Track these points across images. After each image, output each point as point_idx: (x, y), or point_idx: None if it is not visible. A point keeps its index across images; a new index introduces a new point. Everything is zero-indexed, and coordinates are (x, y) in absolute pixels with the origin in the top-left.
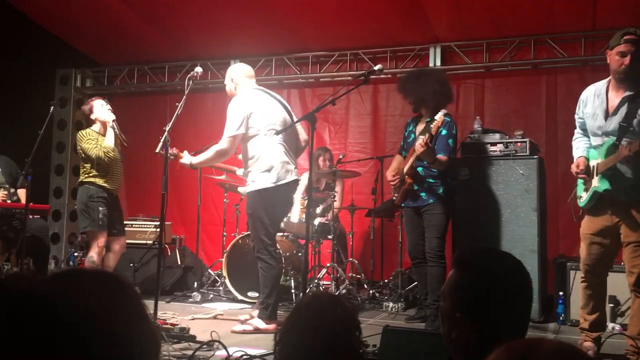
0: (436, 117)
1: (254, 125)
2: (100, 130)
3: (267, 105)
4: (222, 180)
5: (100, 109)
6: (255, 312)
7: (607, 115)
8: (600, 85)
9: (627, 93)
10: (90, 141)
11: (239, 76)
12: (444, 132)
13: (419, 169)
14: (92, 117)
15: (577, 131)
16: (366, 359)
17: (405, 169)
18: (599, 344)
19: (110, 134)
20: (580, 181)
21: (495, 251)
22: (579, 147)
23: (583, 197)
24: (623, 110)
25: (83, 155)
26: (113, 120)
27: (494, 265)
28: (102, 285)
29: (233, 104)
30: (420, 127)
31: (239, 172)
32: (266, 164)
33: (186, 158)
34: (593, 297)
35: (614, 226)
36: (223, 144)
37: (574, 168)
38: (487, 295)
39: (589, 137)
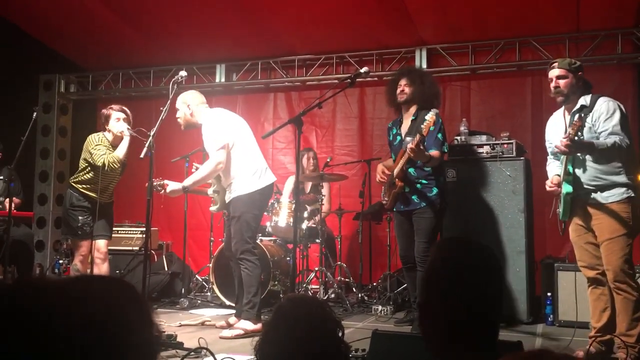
0: (427, 117)
1: (234, 135)
2: (112, 141)
3: (235, 117)
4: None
5: (116, 124)
6: (233, 319)
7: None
8: (558, 111)
9: (573, 110)
10: (101, 147)
11: (195, 102)
12: (431, 128)
13: (411, 170)
14: (107, 127)
15: (549, 157)
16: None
17: (395, 172)
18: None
19: (124, 144)
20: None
21: (463, 241)
22: (552, 170)
23: (561, 210)
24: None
25: (88, 159)
26: (128, 129)
27: (459, 253)
28: (109, 293)
29: (210, 120)
30: (405, 127)
31: (209, 191)
32: (252, 169)
33: (173, 185)
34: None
35: (589, 227)
36: (217, 156)
37: (547, 184)
38: (452, 284)
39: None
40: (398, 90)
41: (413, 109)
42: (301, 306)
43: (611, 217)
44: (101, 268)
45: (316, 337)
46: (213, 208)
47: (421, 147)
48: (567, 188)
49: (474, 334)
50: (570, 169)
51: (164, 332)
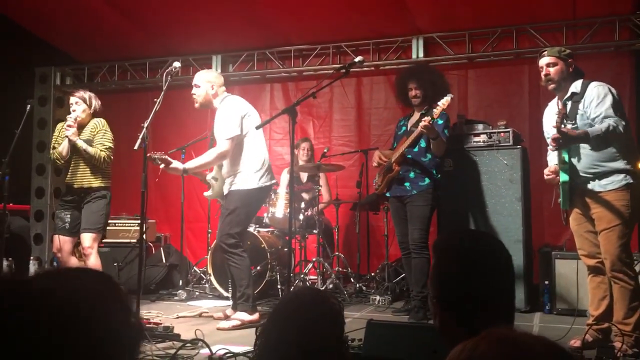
0: (441, 103)
1: (247, 127)
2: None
3: (252, 111)
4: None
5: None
6: (230, 311)
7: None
8: (553, 101)
9: (565, 97)
10: (56, 139)
11: (218, 84)
12: (440, 121)
13: (408, 156)
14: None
15: (549, 147)
16: (349, 358)
17: (394, 157)
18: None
19: (65, 141)
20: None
21: (473, 232)
22: (552, 159)
23: (561, 200)
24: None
25: (109, 144)
26: (69, 125)
27: (470, 247)
28: (79, 283)
29: (227, 106)
30: (413, 119)
31: (208, 176)
32: (257, 165)
33: (175, 163)
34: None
35: (588, 215)
36: (224, 145)
37: (545, 172)
38: (464, 279)
39: None
40: (410, 94)
41: (424, 105)
42: (300, 305)
43: (609, 206)
44: (87, 263)
45: (313, 336)
46: (207, 194)
47: (433, 126)
48: (563, 177)
49: (489, 324)
50: (566, 157)
51: (161, 323)
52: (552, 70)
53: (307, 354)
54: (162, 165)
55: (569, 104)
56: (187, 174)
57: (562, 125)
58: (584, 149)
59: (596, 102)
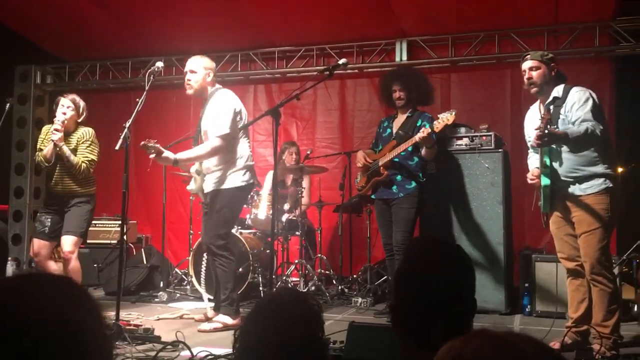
0: (444, 117)
1: (239, 124)
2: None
3: (243, 108)
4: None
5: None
6: (211, 313)
7: None
8: (535, 104)
9: (547, 101)
10: (41, 142)
11: (214, 71)
12: (427, 125)
13: (396, 160)
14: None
15: (530, 150)
16: (329, 359)
17: (382, 161)
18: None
19: (49, 145)
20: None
21: (435, 240)
22: (532, 162)
23: (542, 203)
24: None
25: (92, 157)
26: (55, 129)
27: (431, 253)
28: (54, 288)
29: (223, 100)
30: (398, 122)
31: (192, 169)
32: (244, 163)
33: (168, 153)
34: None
35: (568, 219)
36: (218, 141)
37: (528, 176)
38: (423, 285)
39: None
40: (395, 96)
41: (409, 107)
42: (278, 306)
43: (589, 209)
44: (66, 267)
45: (292, 337)
46: (191, 187)
47: (431, 137)
48: (544, 181)
49: (443, 336)
50: (547, 161)
51: (142, 325)
52: (534, 74)
53: (286, 354)
54: (152, 155)
55: (552, 108)
56: (177, 165)
57: (546, 130)
58: (565, 152)
59: (577, 106)
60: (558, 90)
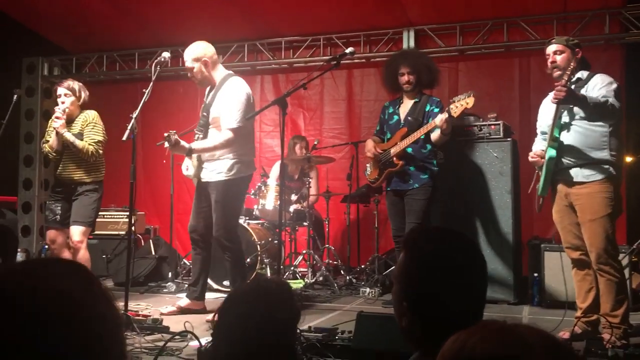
0: (463, 101)
1: (248, 114)
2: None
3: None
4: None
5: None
6: (184, 302)
7: None
8: (551, 94)
9: (570, 80)
10: (48, 133)
11: (209, 54)
12: (436, 109)
13: (409, 150)
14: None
15: (537, 138)
16: (299, 355)
17: (393, 151)
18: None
19: (52, 134)
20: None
21: (448, 233)
22: (537, 147)
23: (540, 184)
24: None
25: (98, 138)
26: (57, 117)
27: (444, 250)
28: (64, 272)
29: (238, 89)
30: (405, 108)
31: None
32: (249, 153)
33: (183, 143)
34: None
35: (571, 206)
36: (231, 133)
37: (530, 154)
38: (435, 285)
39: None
40: (403, 80)
41: (416, 92)
42: (249, 298)
43: (593, 197)
44: (76, 256)
45: (263, 329)
46: (188, 173)
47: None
48: (550, 152)
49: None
50: (557, 134)
51: (150, 316)
52: (558, 57)
53: (260, 344)
54: (167, 145)
55: (573, 87)
56: (190, 155)
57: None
58: (576, 131)
59: (600, 85)
60: (582, 74)
